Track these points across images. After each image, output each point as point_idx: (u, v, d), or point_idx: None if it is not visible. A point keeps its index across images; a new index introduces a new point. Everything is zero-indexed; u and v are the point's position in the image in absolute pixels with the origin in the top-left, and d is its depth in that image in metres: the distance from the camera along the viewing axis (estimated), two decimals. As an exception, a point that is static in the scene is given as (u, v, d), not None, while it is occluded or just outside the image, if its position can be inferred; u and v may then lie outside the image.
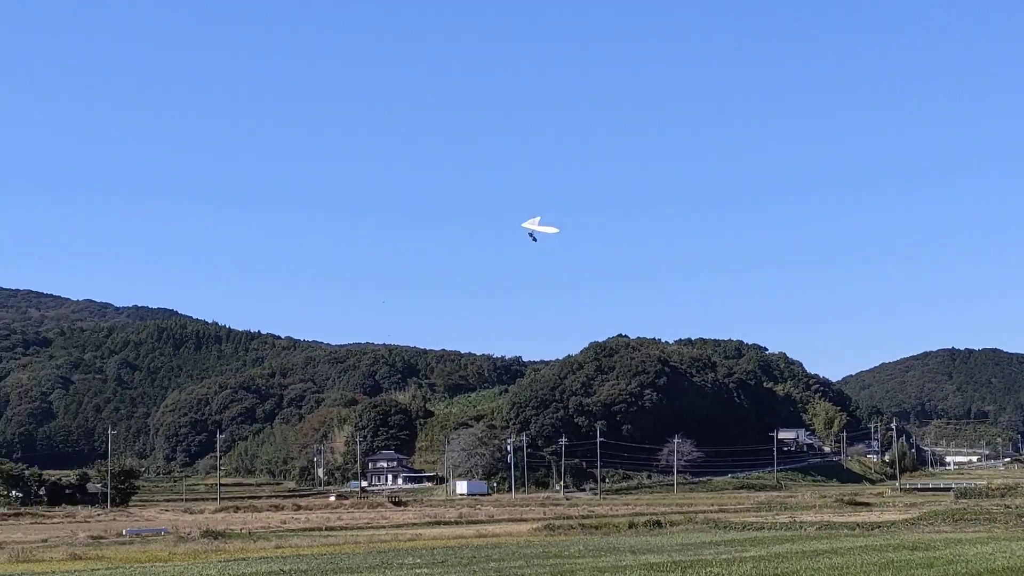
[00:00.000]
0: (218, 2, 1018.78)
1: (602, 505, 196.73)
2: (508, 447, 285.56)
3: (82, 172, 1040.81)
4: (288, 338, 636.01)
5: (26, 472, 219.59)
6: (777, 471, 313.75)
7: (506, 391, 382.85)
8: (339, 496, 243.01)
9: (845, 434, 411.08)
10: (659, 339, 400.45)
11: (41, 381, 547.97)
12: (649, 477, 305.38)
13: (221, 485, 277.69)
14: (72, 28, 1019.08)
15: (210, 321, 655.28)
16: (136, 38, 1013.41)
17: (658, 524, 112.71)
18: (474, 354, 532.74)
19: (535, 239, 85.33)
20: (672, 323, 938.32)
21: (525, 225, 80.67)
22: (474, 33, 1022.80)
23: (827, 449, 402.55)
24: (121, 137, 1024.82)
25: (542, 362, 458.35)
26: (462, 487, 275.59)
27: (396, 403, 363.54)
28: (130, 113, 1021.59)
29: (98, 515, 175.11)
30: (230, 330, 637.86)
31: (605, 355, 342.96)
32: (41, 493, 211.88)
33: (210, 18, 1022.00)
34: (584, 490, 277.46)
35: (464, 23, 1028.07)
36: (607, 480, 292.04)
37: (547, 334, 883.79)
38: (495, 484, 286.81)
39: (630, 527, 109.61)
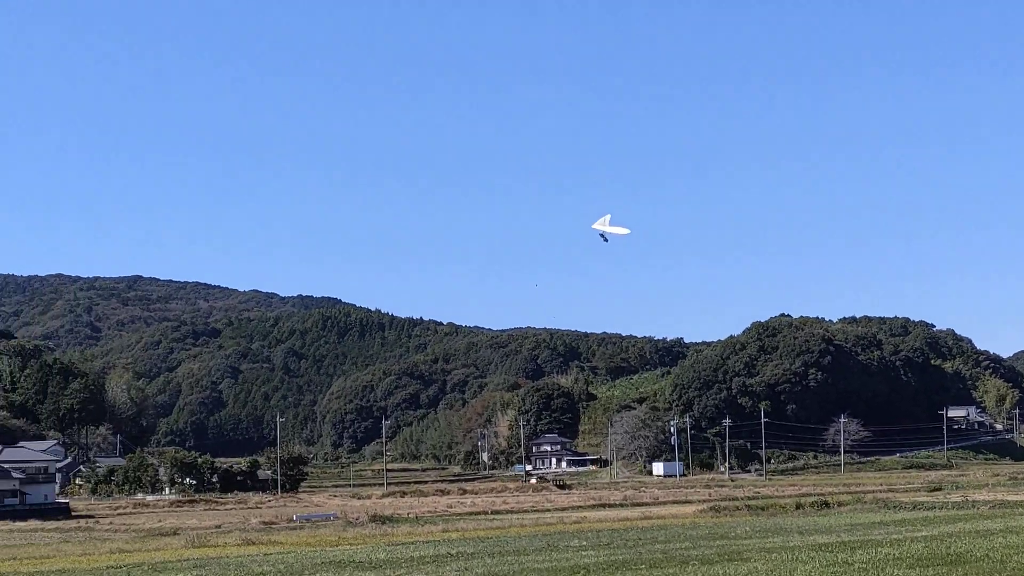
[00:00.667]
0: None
1: (768, 486, 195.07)
2: (672, 429, 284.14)
3: (245, 166, 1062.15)
4: (450, 324, 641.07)
5: (199, 460, 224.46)
6: (947, 450, 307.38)
7: (668, 373, 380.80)
8: (540, 478, 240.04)
9: (1018, 411, 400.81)
10: (822, 318, 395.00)
11: (211, 371, 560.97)
12: (815, 457, 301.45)
13: (387, 471, 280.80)
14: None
15: (373, 309, 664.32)
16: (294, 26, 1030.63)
17: (825, 504, 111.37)
18: (635, 336, 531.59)
19: (606, 239, 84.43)
20: (836, 301, 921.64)
21: (596, 226, 79.61)
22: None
23: (999, 427, 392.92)
24: (283, 129, 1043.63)
25: (704, 343, 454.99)
26: (658, 468, 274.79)
27: (558, 387, 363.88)
28: (292, 103, 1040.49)
29: (269, 501, 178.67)
30: (393, 317, 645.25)
31: (768, 335, 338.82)
32: (214, 480, 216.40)
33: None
34: (749, 471, 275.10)
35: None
36: (772, 461, 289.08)
37: (709, 315, 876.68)
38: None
39: (797, 508, 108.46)
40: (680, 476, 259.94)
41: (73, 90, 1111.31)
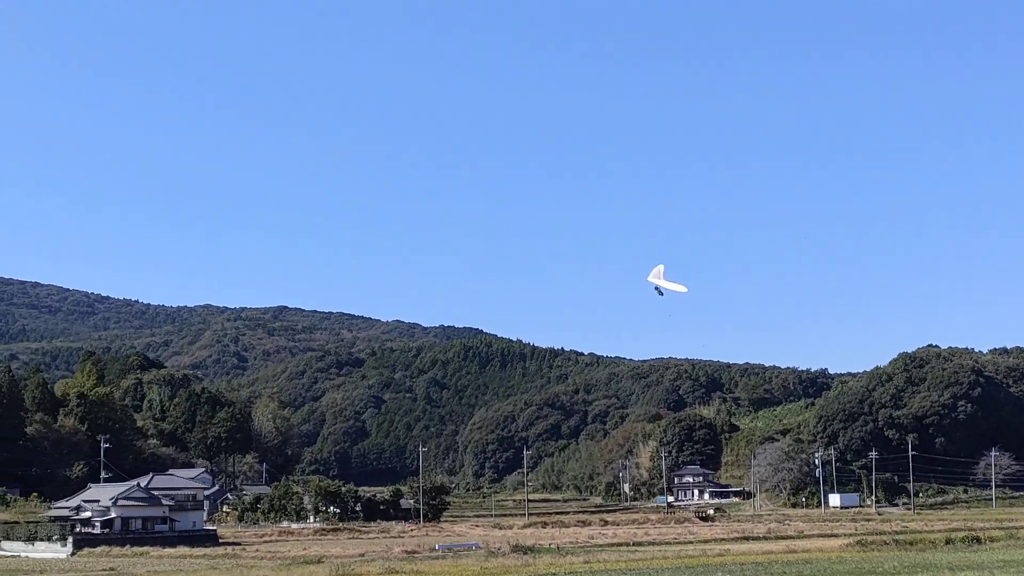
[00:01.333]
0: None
1: (916, 520, 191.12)
2: (816, 461, 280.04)
3: (386, 198, 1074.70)
4: (591, 354, 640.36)
5: (343, 488, 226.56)
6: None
7: (812, 404, 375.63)
8: (703, 517, 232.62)
9: None
10: (972, 348, 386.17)
11: (354, 400, 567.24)
12: (965, 492, 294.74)
13: (529, 501, 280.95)
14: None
15: (514, 339, 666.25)
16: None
17: (977, 540, 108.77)
18: (778, 367, 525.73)
19: (661, 293, 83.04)
20: (986, 331, 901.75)
21: (651, 279, 78.07)
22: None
23: None
24: (422, 161, 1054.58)
25: (849, 374, 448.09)
26: (835, 500, 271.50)
27: (700, 417, 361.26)
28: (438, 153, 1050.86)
29: (411, 530, 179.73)
30: (534, 347, 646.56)
31: (915, 366, 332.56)
32: (357, 509, 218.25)
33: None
34: (896, 505, 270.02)
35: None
36: (920, 494, 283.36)
37: (854, 346, 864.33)
38: (803, 499, 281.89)
39: (947, 543, 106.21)
40: (857, 508, 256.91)
41: (213, 133, 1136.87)
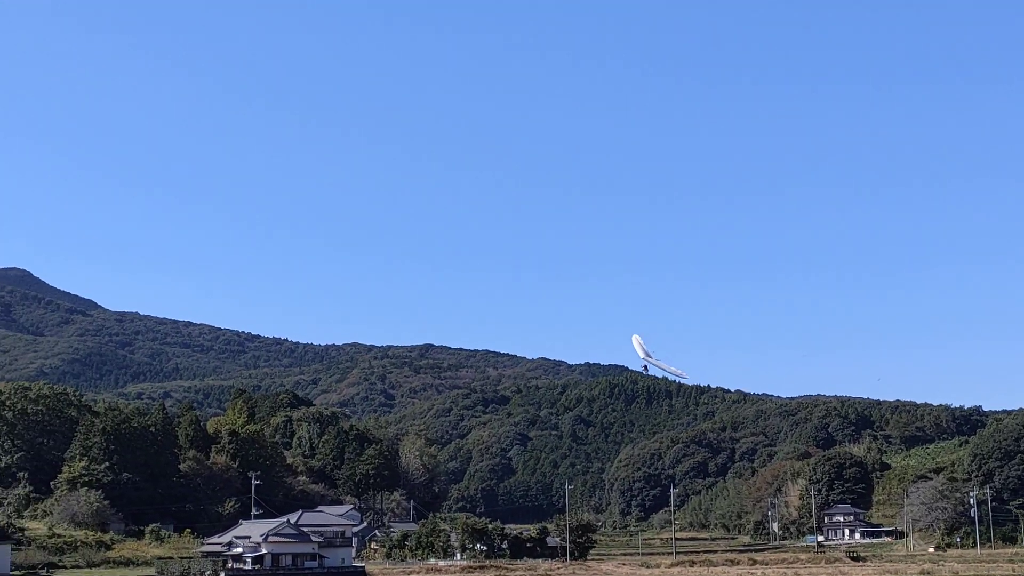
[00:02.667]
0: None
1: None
2: (971, 501, 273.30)
3: (527, 239, 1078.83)
4: (738, 391, 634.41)
5: (489, 526, 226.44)
6: None
7: (967, 442, 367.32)
8: (854, 557, 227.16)
9: None
10: None
11: (500, 437, 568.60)
12: None
13: (676, 539, 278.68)
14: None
15: (660, 376, 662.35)
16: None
17: None
18: (930, 404, 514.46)
19: (647, 370, 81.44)
20: None
21: (643, 357, 76.20)
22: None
23: None
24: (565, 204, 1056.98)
25: (1004, 411, 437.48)
26: None
27: (850, 456, 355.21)
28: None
29: (558, 568, 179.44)
30: (680, 385, 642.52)
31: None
32: (504, 546, 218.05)
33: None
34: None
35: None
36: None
37: (1008, 382, 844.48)
38: (958, 539, 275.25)
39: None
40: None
41: (362, 174, 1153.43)
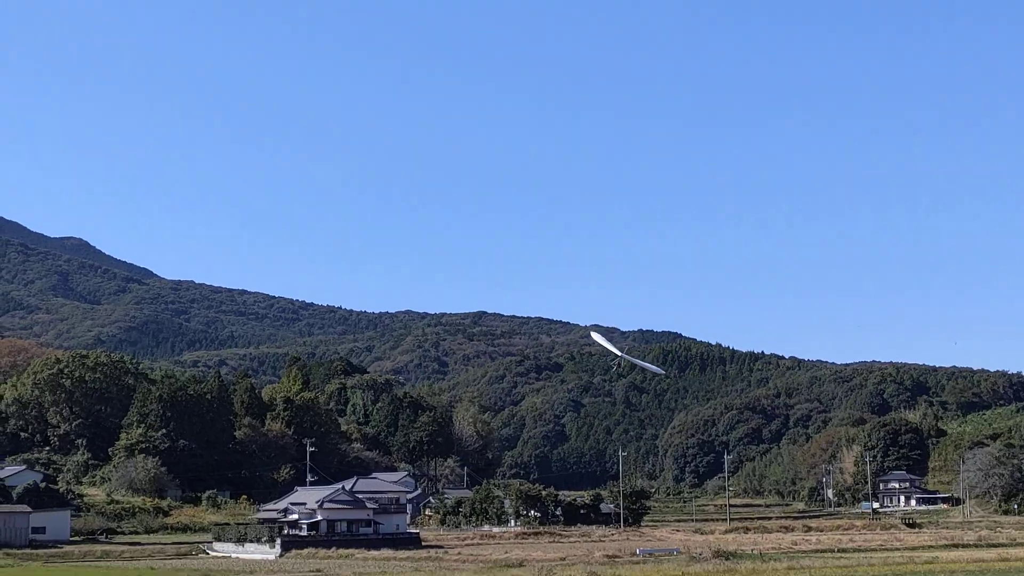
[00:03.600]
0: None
1: None
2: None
3: (578, 206, 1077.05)
4: (792, 358, 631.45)
5: (543, 492, 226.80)
6: None
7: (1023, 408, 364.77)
8: (910, 523, 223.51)
9: None
10: None
11: (554, 404, 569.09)
12: None
13: (730, 506, 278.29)
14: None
15: (713, 343, 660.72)
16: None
17: None
18: (987, 370, 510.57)
19: (619, 366, 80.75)
20: None
21: (612, 351, 75.13)
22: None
23: None
24: (619, 165, 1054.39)
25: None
26: None
27: (906, 422, 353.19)
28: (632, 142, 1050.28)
29: (612, 535, 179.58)
30: (733, 351, 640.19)
31: None
32: (557, 513, 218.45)
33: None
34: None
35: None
36: None
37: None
38: (1015, 506, 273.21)
39: None
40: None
41: (418, 143, 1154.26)
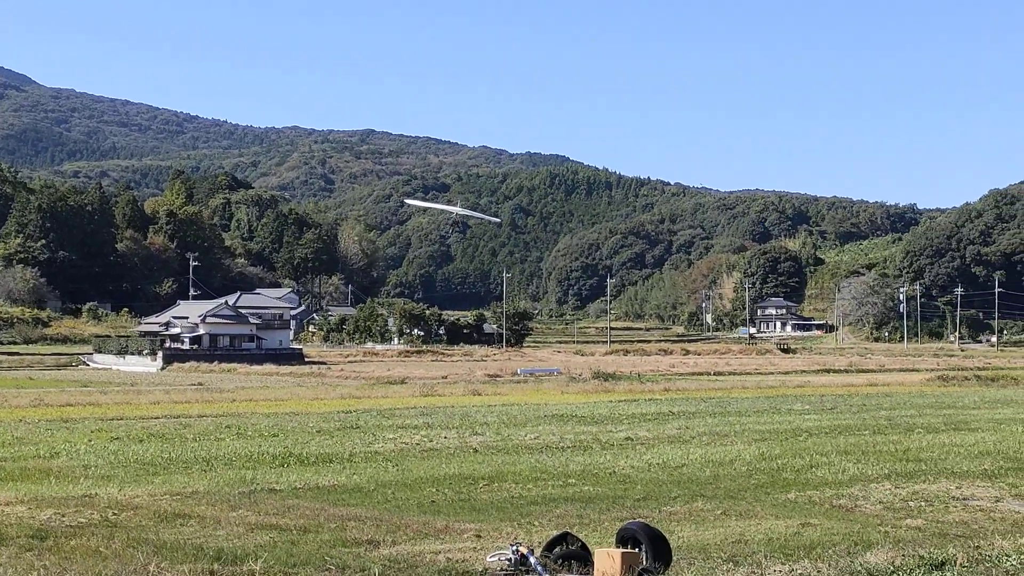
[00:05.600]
0: None
1: (999, 357, 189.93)
2: (900, 296, 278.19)
3: (474, 23, 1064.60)
4: (677, 184, 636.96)
5: (427, 312, 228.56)
6: None
7: (899, 239, 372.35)
8: (784, 349, 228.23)
9: None
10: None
11: (440, 225, 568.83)
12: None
13: (611, 329, 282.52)
14: None
15: (600, 167, 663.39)
16: None
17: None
18: (866, 201, 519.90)
19: (458, 219, 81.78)
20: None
21: (450, 209, 75.56)
22: None
23: None
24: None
25: (938, 210, 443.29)
26: None
27: (785, 250, 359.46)
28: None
29: (494, 354, 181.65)
30: (620, 176, 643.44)
31: (1006, 203, 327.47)
32: (441, 332, 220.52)
33: None
34: (980, 342, 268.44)
35: None
36: (1005, 332, 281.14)
37: (943, 181, 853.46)
38: (886, 334, 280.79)
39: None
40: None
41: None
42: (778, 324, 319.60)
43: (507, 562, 17.51)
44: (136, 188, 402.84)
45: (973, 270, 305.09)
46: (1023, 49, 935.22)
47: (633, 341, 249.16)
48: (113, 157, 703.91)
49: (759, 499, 28.38)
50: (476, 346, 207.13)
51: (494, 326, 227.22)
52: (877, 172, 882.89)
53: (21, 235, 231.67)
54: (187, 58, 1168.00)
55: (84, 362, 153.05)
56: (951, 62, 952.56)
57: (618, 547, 17.49)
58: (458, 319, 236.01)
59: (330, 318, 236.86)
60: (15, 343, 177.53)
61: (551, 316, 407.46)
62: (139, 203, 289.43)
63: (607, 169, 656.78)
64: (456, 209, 73.11)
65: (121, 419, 56.85)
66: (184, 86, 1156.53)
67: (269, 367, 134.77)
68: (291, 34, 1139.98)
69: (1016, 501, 28.28)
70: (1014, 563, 17.18)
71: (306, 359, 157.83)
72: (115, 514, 24.70)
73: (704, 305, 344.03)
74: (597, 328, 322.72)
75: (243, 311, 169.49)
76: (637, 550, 17.28)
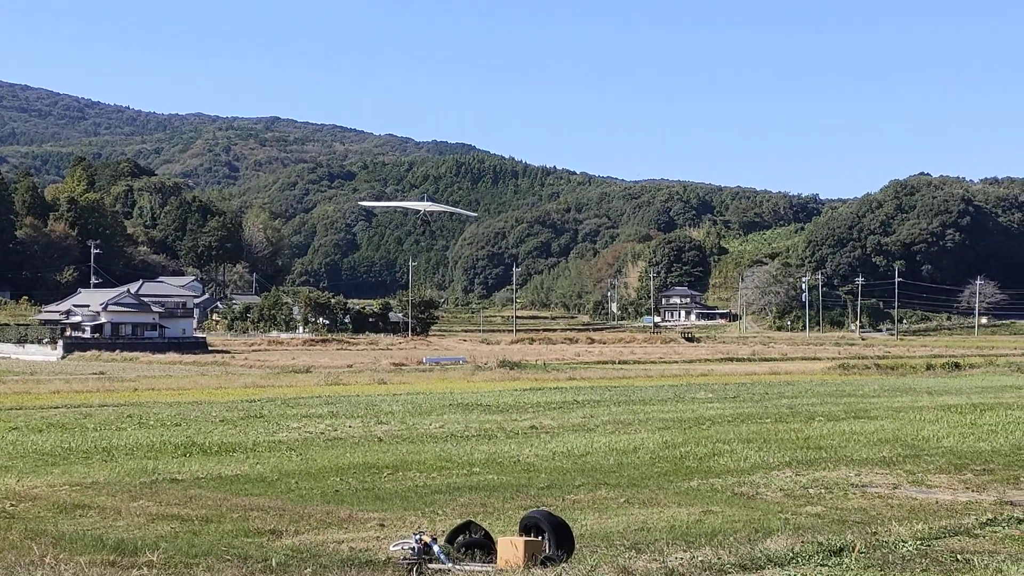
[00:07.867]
0: None
1: (899, 346, 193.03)
2: (803, 286, 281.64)
3: (383, 10, 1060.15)
4: (583, 173, 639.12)
5: (332, 300, 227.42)
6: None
7: (802, 229, 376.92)
8: (688, 338, 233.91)
9: None
10: (963, 178, 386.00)
11: (345, 213, 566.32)
12: (949, 319, 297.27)
13: (517, 317, 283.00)
14: None
15: (507, 156, 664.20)
16: None
17: (957, 366, 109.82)
18: (770, 191, 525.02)
19: (428, 221, 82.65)
20: (977, 161, 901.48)
21: (420, 207, 76.31)
22: None
23: None
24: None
25: (840, 200, 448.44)
26: None
27: (690, 239, 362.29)
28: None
29: (400, 343, 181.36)
30: (526, 165, 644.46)
31: (906, 194, 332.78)
32: (346, 321, 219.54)
33: None
34: (880, 331, 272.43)
35: None
36: (904, 321, 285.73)
37: (845, 172, 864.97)
38: (788, 323, 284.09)
39: (927, 369, 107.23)
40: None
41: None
42: (683, 313, 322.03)
43: (410, 551, 17.55)
44: (36, 175, 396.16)
45: (874, 260, 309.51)
46: (924, 40, 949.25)
47: (539, 330, 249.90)
48: (12, 143, 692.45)
49: (662, 487, 28.65)
50: (382, 335, 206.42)
51: (400, 315, 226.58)
52: (780, 162, 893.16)
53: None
54: (89, 43, 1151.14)
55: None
56: (852, 53, 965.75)
57: (521, 535, 17.59)
58: (364, 308, 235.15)
59: (234, 306, 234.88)
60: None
61: (457, 305, 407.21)
62: (39, 190, 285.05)
63: (513, 158, 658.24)
64: (425, 206, 72.02)
65: (20, 408, 56.08)
66: (86, 71, 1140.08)
67: (172, 356, 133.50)
68: (195, 19, 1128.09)
69: (913, 488, 28.80)
70: (911, 549, 17.47)
71: (210, 348, 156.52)
72: (12, 505, 24.42)
73: (609, 294, 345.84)
74: (503, 317, 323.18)
75: (146, 299, 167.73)
76: (540, 538, 17.39)
